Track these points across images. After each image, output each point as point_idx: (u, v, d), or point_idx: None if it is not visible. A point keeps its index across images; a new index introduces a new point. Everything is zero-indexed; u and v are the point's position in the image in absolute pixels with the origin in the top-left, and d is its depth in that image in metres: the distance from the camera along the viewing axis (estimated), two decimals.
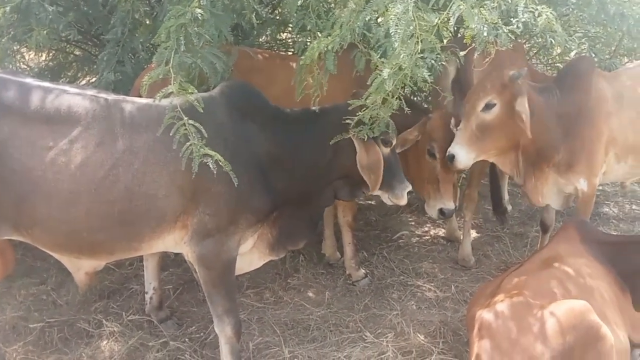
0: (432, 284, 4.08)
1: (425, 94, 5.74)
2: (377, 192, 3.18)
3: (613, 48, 4.93)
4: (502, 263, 4.34)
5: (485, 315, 2.89)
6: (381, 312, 3.73)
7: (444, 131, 3.63)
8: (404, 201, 3.17)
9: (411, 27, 2.46)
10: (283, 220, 3.07)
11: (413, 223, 5.13)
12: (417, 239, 4.84)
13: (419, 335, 3.44)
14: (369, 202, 5.34)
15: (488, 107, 3.28)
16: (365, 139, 2.90)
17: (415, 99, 6.15)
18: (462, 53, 3.01)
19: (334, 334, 3.50)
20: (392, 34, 2.47)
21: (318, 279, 4.18)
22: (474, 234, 4.78)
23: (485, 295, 3.12)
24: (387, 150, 3.06)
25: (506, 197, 5.32)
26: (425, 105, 3.92)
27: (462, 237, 4.39)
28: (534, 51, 5.84)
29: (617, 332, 3.01)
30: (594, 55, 4.69)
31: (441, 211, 3.77)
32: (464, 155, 3.30)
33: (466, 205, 4.32)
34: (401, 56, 2.48)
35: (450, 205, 3.75)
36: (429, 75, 2.86)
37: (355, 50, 3.25)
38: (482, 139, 3.31)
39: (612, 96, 3.62)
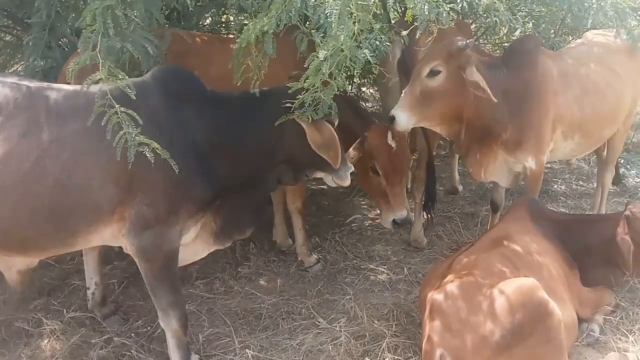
0: (385, 267, 4.06)
1: (373, 76, 5.73)
2: (321, 175, 3.13)
3: (557, 27, 4.97)
4: (453, 243, 4.35)
5: (436, 296, 2.87)
6: (334, 297, 3.68)
7: (382, 147, 3.61)
8: (347, 182, 3.13)
9: (348, 7, 2.37)
10: (227, 208, 2.97)
11: (365, 206, 5.09)
12: (370, 222, 4.80)
13: (372, 319, 3.39)
14: (321, 186, 5.27)
15: (433, 73, 3.25)
16: (310, 121, 2.82)
17: (363, 81, 6.12)
18: (404, 32, 2.95)
19: (286, 321, 3.43)
20: (329, 14, 2.37)
21: (270, 266, 4.09)
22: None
23: (436, 277, 3.10)
24: None
25: (457, 177, 5.36)
26: (371, 113, 3.84)
27: (413, 219, 4.37)
28: (481, 31, 5.84)
29: (565, 307, 3.04)
30: (538, 34, 4.73)
31: (394, 222, 3.74)
32: (404, 118, 3.27)
33: (416, 186, 4.29)
34: (340, 37, 2.39)
35: (402, 214, 3.73)
36: (371, 56, 2.82)
37: (296, 31, 3.15)
38: (425, 104, 3.28)
39: (558, 74, 3.63)
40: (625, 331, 3.23)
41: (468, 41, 3.21)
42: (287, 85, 2.75)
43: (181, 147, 2.64)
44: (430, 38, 2.95)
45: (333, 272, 4.02)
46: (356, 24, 2.39)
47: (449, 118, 3.44)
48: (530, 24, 4.80)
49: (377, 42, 3.23)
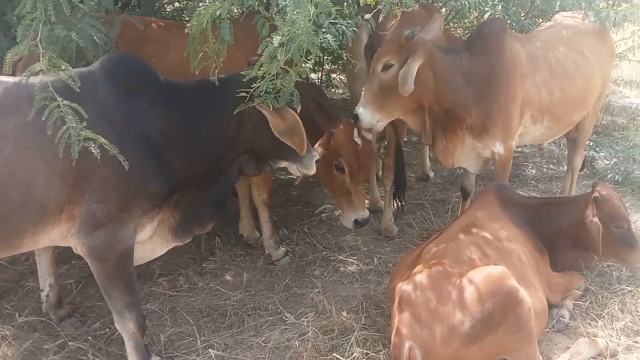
0: (355, 258, 3.97)
1: (343, 62, 5.62)
2: (285, 164, 3.02)
3: (527, 9, 4.92)
4: (424, 231, 4.28)
5: (404, 287, 2.80)
6: (302, 290, 3.58)
7: (348, 145, 3.52)
8: (313, 170, 3.04)
9: None
10: (186, 203, 2.84)
11: None
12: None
13: (341, 312, 3.31)
14: (290, 176, 5.14)
15: (386, 67, 3.24)
16: (271, 109, 2.70)
17: (333, 67, 6.00)
18: (367, 16, 2.84)
19: (252, 318, 3.32)
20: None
21: (236, 260, 3.97)
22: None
23: (405, 267, 3.02)
24: None
25: (428, 163, 5.29)
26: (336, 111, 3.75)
27: (384, 207, 4.29)
28: (452, 15, 5.76)
29: (535, 294, 3.00)
30: (507, 16, 4.66)
31: (356, 222, 3.65)
32: (367, 115, 3.29)
33: (385, 174, 4.20)
34: (297, 22, 2.26)
35: (364, 214, 3.64)
36: (334, 41, 2.71)
37: (257, 16, 3.01)
38: (385, 98, 3.27)
39: (526, 57, 3.56)
40: (594, 316, 3.21)
41: (414, 29, 3.15)
42: (242, 72, 2.62)
43: (132, 140, 2.50)
44: (394, 21, 2.86)
45: (302, 264, 3.92)
46: (313, 7, 2.25)
47: (412, 108, 3.40)
48: (500, 7, 4.74)
49: (343, 27, 3.15)
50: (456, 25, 5.91)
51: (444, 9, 5.45)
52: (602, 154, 5.13)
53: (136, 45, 3.18)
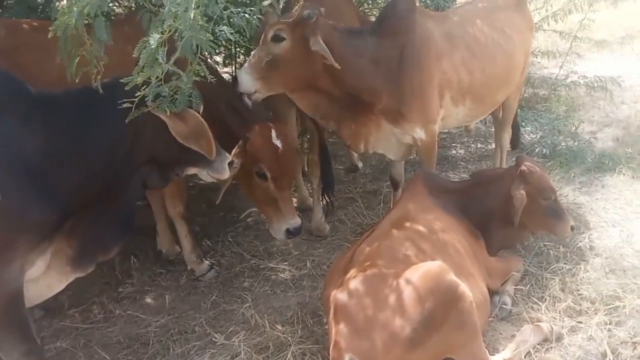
0: (287, 263, 3.72)
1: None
2: (194, 170, 2.74)
3: None
4: (357, 226, 4.07)
5: (339, 295, 2.57)
6: (231, 306, 3.29)
7: (267, 148, 3.25)
8: (225, 174, 2.77)
9: None
10: (84, 227, 2.48)
11: None
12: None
13: (275, 326, 3.05)
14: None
15: (277, 38, 3.03)
16: (169, 113, 2.38)
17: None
18: (266, 2, 2.59)
19: (178, 343, 3.02)
20: None
21: (156, 280, 3.63)
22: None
23: (338, 272, 2.79)
24: None
25: (355, 154, 5.08)
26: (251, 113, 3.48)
27: (313, 205, 4.05)
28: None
29: (475, 284, 2.86)
30: None
31: (288, 231, 3.35)
32: (246, 81, 3.07)
33: (311, 171, 3.96)
34: (179, 16, 1.95)
35: (295, 222, 3.35)
36: (232, 33, 2.43)
37: (141, 11, 2.67)
38: (268, 70, 3.06)
39: (442, 36, 3.37)
40: (536, 300, 3.10)
41: (312, 11, 2.96)
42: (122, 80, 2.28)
43: (4, 166, 2.12)
44: (298, 6, 2.62)
45: (229, 277, 3.63)
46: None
47: (297, 87, 3.19)
48: None
49: (246, 15, 2.86)
50: (372, 6, 5.69)
51: None
52: (528, 128, 5.08)
53: (10, 54, 2.75)
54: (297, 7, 2.73)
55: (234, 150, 3.26)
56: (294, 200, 4.45)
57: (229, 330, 3.07)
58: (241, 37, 4.70)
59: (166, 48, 2.09)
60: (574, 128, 5.21)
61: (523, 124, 5.00)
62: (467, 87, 3.47)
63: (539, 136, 5.03)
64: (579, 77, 5.90)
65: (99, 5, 2.09)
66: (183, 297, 3.46)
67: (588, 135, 5.29)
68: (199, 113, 2.52)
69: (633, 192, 4.21)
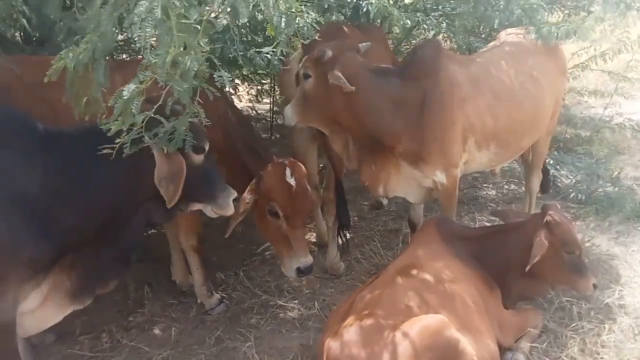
0: (296, 302, 3.64)
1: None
2: (198, 206, 2.74)
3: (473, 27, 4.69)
4: (373, 267, 3.94)
5: (332, 345, 2.49)
6: (235, 344, 3.23)
7: (280, 187, 3.22)
8: (230, 210, 2.79)
9: (163, 28, 1.93)
10: (85, 261, 2.51)
11: None
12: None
13: None
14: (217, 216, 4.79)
15: (305, 76, 3.17)
16: (165, 152, 2.39)
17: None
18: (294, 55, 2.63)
19: None
20: (136, 37, 1.94)
21: (167, 311, 3.61)
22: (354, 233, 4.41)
23: (337, 318, 2.71)
24: (199, 157, 2.62)
25: None
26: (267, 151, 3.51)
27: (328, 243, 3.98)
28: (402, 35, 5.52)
29: (481, 341, 2.70)
30: (452, 34, 4.42)
31: (299, 270, 3.30)
32: (288, 114, 3.27)
33: (327, 209, 3.90)
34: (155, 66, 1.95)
35: (306, 260, 3.29)
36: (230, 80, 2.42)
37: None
38: (305, 105, 3.20)
39: (467, 80, 3.27)
40: (553, 359, 2.90)
41: (324, 50, 3.05)
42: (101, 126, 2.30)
43: (2, 202, 2.16)
44: (296, 53, 2.65)
45: (237, 312, 3.58)
46: (175, 48, 1.92)
47: (327, 122, 3.26)
48: (445, 24, 4.50)
49: (268, 56, 2.87)
50: (407, 47, 5.61)
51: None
52: (563, 172, 4.86)
53: (38, 90, 2.83)
54: (292, 56, 2.76)
55: (248, 188, 3.27)
56: (312, 234, 4.42)
57: None
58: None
59: (142, 98, 2.09)
60: (616, 173, 4.93)
61: (558, 167, 4.80)
62: (492, 132, 3.34)
63: (575, 180, 4.79)
64: (624, 119, 5.62)
65: (102, 49, 2.11)
66: (190, 331, 3.42)
67: (630, 181, 5.02)
68: (205, 149, 2.57)
69: None
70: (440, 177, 3.30)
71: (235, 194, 2.78)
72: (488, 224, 4.53)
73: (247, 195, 3.23)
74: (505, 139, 3.40)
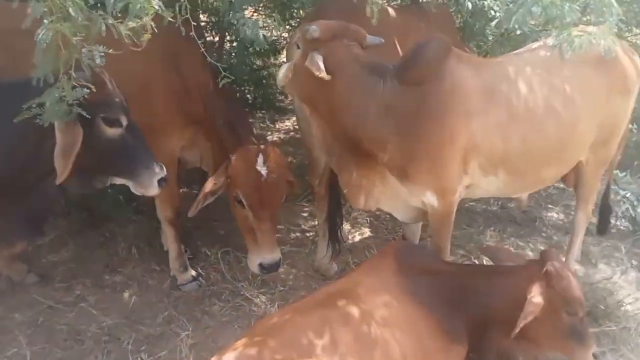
0: (267, 297, 3.41)
1: None
2: (120, 181, 2.62)
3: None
4: None
5: None
6: (178, 329, 3.12)
7: (248, 174, 2.99)
8: (153, 190, 2.63)
9: None
10: None
11: (306, 215, 4.37)
12: (295, 235, 4.11)
13: None
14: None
15: (297, 46, 2.77)
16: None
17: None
18: None
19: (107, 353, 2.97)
20: None
21: (145, 276, 3.60)
22: (357, 236, 4.04)
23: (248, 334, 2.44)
24: (114, 131, 2.47)
25: None
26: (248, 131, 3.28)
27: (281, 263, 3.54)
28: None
29: None
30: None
31: (261, 266, 3.08)
32: (280, 75, 2.82)
33: (317, 204, 3.55)
34: None
35: (270, 257, 3.07)
36: None
37: None
38: (292, 73, 2.76)
39: (479, 90, 2.69)
40: None
41: (312, 27, 2.59)
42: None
43: None
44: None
45: (207, 294, 3.47)
46: None
47: (305, 101, 2.85)
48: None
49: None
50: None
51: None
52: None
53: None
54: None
55: (219, 169, 3.08)
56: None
57: (157, 355, 2.93)
58: None
59: None
60: None
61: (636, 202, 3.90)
62: (501, 156, 2.74)
63: None
64: None
65: None
66: (152, 303, 3.38)
67: None
68: (123, 123, 2.45)
69: None
70: (431, 199, 2.80)
71: (162, 174, 2.60)
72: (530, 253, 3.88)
73: (217, 177, 3.05)
74: (517, 166, 2.78)
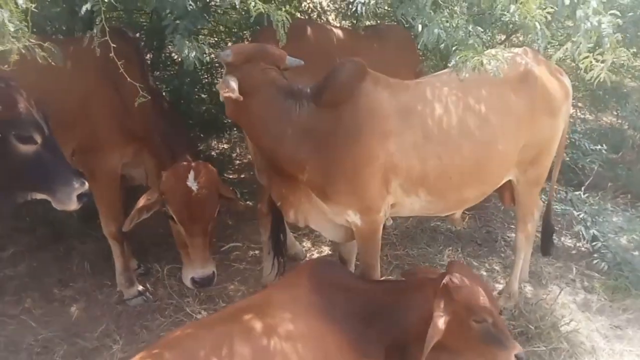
0: (207, 313, 3.43)
1: None
2: (41, 196, 2.64)
3: None
4: None
5: None
6: (102, 342, 3.19)
7: (177, 190, 3.02)
8: (73, 205, 2.61)
9: None
10: None
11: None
12: (253, 253, 4.14)
13: None
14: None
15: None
16: None
17: None
18: None
19: None
20: None
21: (95, 291, 3.67)
22: (315, 254, 4.05)
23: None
24: (27, 147, 2.50)
25: None
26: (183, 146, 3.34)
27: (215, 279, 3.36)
28: None
29: None
30: None
31: (194, 280, 3.12)
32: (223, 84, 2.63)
33: (259, 221, 3.59)
34: None
35: (202, 272, 3.09)
36: None
37: None
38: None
39: (395, 111, 2.73)
40: None
41: (225, 52, 2.62)
42: None
43: None
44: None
45: (153, 308, 3.52)
46: None
47: (235, 120, 2.94)
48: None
49: None
50: None
51: None
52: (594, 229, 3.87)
53: None
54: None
55: (150, 190, 3.16)
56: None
57: None
58: None
59: None
60: None
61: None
62: (419, 176, 2.77)
63: (601, 243, 3.80)
64: None
65: None
66: (94, 318, 3.45)
67: None
68: (37, 141, 2.48)
69: None
70: (354, 218, 2.83)
71: (82, 190, 2.61)
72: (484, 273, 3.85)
73: (151, 193, 3.12)
74: (437, 186, 2.79)
